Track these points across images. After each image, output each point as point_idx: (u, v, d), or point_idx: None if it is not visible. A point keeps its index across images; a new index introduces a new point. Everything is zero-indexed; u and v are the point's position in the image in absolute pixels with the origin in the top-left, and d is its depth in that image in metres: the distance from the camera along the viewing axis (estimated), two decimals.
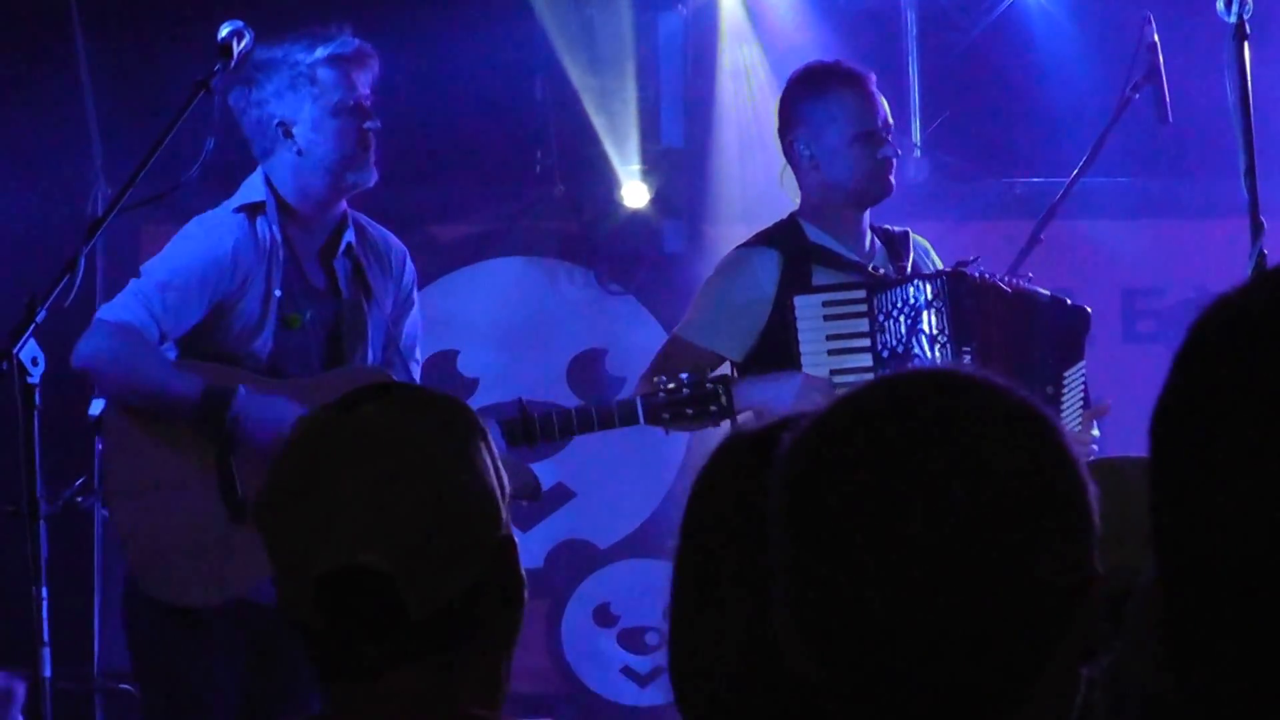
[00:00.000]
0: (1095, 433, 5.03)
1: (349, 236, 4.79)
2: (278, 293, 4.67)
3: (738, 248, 5.07)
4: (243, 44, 4.54)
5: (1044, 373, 4.93)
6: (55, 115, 6.84)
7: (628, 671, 7.10)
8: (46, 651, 4.03)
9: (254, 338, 4.66)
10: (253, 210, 4.71)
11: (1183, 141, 6.53)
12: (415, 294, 4.96)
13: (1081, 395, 4.99)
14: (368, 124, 4.72)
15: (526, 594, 2.04)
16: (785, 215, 5.06)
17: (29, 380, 4.06)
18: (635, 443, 6.68)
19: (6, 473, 4.33)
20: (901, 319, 4.86)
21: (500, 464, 2.04)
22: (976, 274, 4.94)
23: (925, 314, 4.86)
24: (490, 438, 2.05)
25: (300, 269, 4.74)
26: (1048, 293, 5.04)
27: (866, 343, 4.87)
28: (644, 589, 6.91)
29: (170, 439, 4.57)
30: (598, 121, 7.08)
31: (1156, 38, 5.53)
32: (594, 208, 7.19)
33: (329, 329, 4.75)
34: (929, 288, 4.87)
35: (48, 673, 4.05)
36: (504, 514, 2.02)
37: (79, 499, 5.56)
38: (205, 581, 4.55)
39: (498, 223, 7.25)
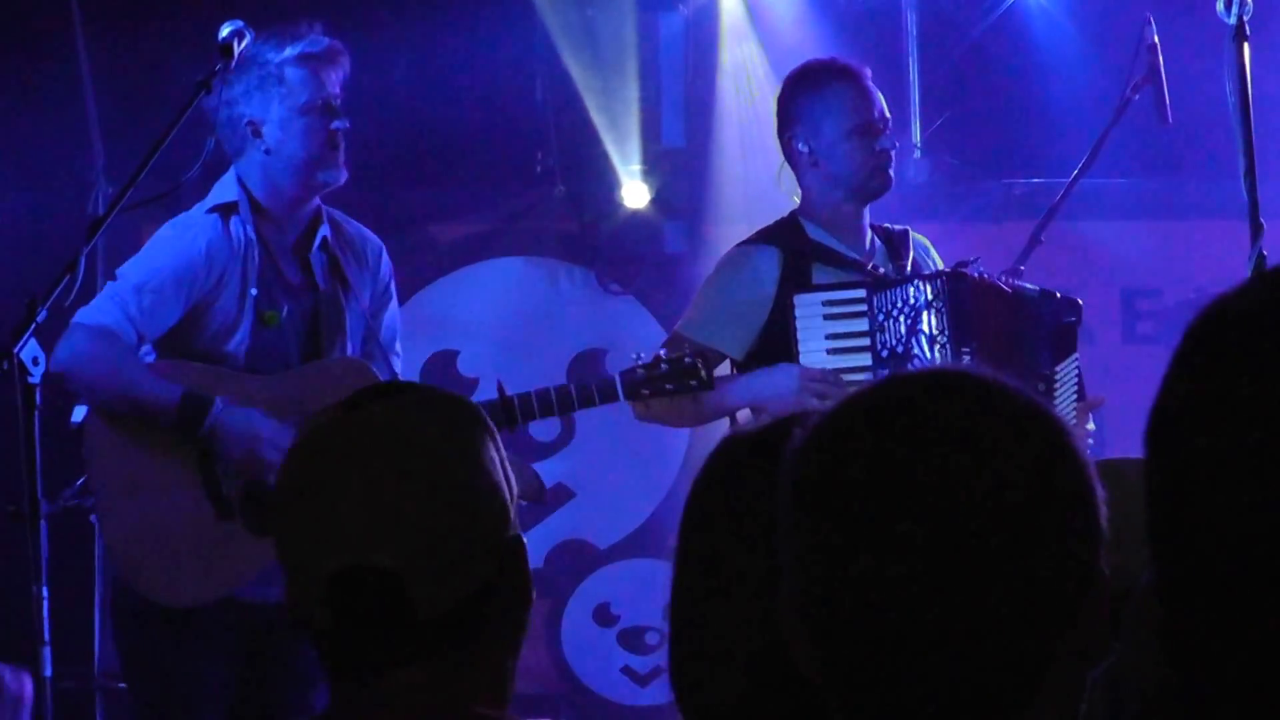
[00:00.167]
0: (1090, 426, 5.03)
1: (324, 231, 4.78)
2: (254, 291, 4.66)
3: (738, 245, 5.07)
4: (243, 44, 4.54)
5: (1037, 367, 4.93)
6: (56, 115, 6.83)
7: (628, 671, 7.10)
8: (47, 651, 4.03)
9: (231, 336, 4.65)
10: (225, 210, 4.70)
11: (1183, 142, 6.52)
12: (393, 288, 4.94)
13: (1076, 388, 4.99)
14: (336, 123, 4.69)
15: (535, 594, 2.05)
16: (785, 214, 5.06)
17: (30, 380, 4.06)
18: (635, 443, 6.69)
19: (6, 473, 4.34)
20: (901, 319, 4.86)
21: (508, 463, 2.05)
22: (976, 274, 4.94)
23: (925, 314, 4.86)
24: (499, 437, 2.05)
25: (276, 265, 4.72)
26: (1036, 288, 5.04)
27: (866, 342, 4.87)
28: (644, 589, 6.91)
29: (154, 441, 4.56)
30: (598, 121, 7.08)
31: (1156, 38, 5.53)
32: (594, 208, 7.18)
33: (307, 323, 4.74)
34: (929, 288, 4.87)
35: (48, 672, 4.06)
36: (513, 513, 2.02)
37: (79, 499, 5.55)
38: (198, 580, 4.55)
39: (498, 223, 7.24)
